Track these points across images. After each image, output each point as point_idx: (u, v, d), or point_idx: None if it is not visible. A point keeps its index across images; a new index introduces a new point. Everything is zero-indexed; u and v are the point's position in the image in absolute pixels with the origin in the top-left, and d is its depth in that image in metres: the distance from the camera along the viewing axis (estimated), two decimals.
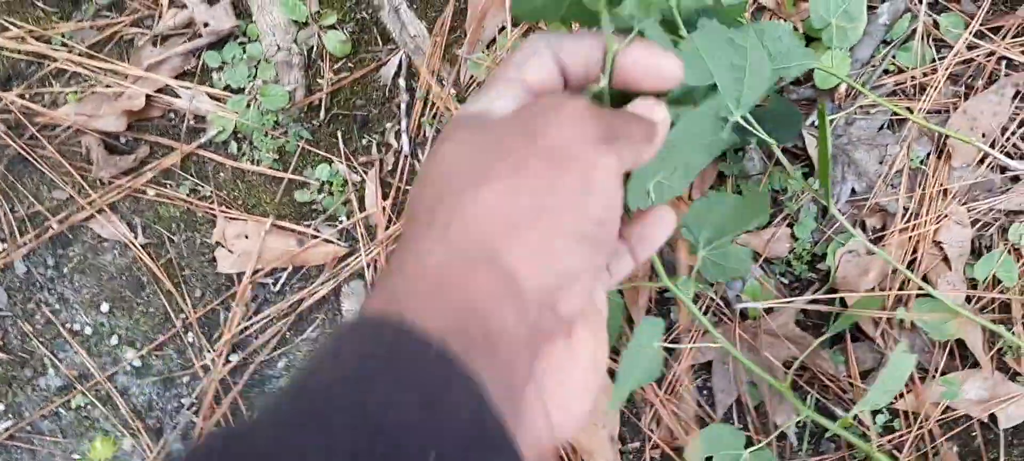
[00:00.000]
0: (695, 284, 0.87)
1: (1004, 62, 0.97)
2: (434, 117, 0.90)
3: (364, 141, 0.94)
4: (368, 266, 0.93)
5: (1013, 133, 0.95)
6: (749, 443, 0.89)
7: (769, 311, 0.95)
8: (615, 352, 0.90)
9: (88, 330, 0.93)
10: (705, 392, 0.93)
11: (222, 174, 0.93)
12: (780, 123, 0.93)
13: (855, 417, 0.93)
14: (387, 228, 0.93)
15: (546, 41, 0.40)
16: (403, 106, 0.92)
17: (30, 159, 0.93)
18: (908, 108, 0.96)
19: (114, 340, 0.93)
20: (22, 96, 0.92)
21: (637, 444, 0.91)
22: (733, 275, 0.88)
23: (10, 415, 0.92)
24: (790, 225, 0.96)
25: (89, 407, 0.92)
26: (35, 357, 0.92)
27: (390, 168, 0.92)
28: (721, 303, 0.94)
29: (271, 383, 0.93)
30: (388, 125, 0.94)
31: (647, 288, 0.96)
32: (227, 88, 0.93)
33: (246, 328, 0.93)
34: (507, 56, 0.53)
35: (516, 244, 0.33)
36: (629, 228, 0.44)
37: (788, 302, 0.94)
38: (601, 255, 0.37)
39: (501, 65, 0.41)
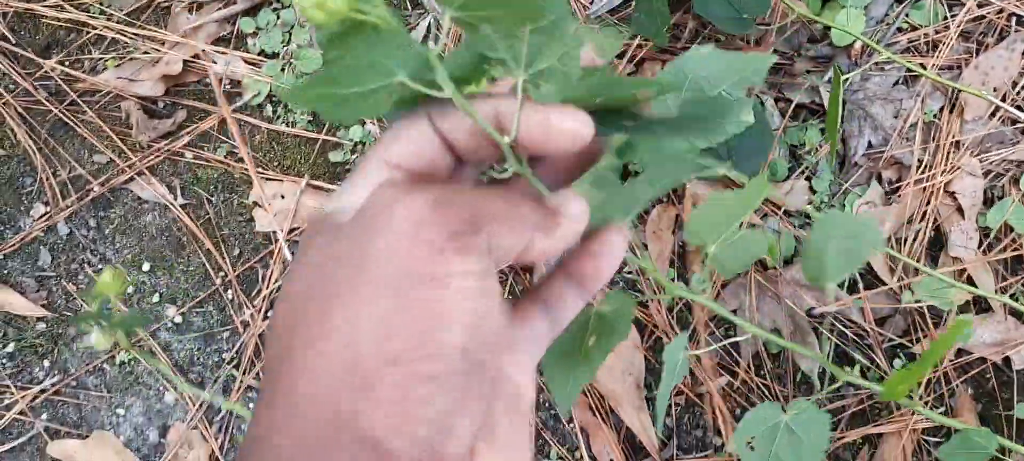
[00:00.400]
0: (710, 282, 0.89)
1: (1014, 19, 1.00)
2: None
3: None
4: None
5: (1023, 87, 0.98)
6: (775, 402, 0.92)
7: (788, 262, 0.98)
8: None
9: (130, 289, 0.96)
10: (730, 334, 0.96)
11: (258, 136, 0.96)
12: (748, 151, 0.96)
13: (873, 362, 0.96)
14: None
15: (424, 108, 0.33)
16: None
17: (71, 124, 0.95)
18: (921, 64, 0.99)
19: (155, 298, 0.96)
20: (62, 63, 0.95)
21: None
22: (752, 260, 0.89)
23: (56, 371, 0.95)
24: (808, 178, 0.99)
25: (132, 363, 0.95)
26: (74, 312, 0.95)
27: None
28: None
29: None
30: None
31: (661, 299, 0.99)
32: (262, 53, 0.95)
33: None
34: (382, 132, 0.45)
35: (369, 403, 0.28)
36: (575, 262, 0.37)
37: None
38: (481, 385, 0.30)
39: (373, 143, 0.35)
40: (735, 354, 0.97)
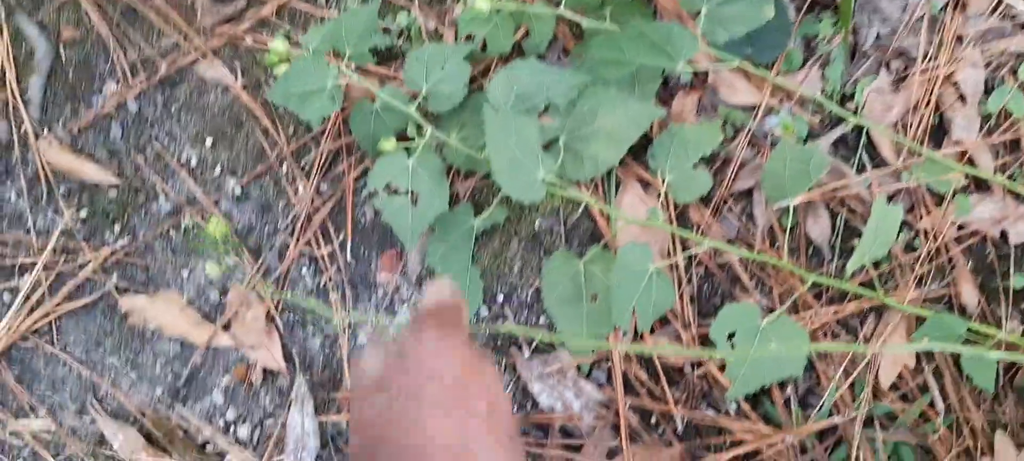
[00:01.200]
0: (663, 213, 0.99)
1: None
2: None
3: None
4: None
5: None
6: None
7: (803, 143, 1.05)
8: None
9: (194, 161, 1.04)
10: (745, 217, 1.03)
11: (313, 21, 1.04)
12: (767, 43, 1.06)
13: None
14: None
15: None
16: None
17: (140, 9, 1.04)
18: None
19: (217, 170, 1.04)
20: None
21: (683, 260, 1.02)
22: (696, 194, 1.00)
23: (126, 235, 1.03)
24: (821, 67, 1.06)
25: (196, 229, 1.04)
26: (147, 185, 1.04)
27: (454, 19, 1.03)
28: (757, 137, 1.04)
29: (355, 209, 1.04)
30: None
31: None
32: None
33: (334, 159, 1.04)
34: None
35: None
36: None
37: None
38: None
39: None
40: (752, 226, 1.04)
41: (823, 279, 0.87)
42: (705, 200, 1.03)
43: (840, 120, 1.05)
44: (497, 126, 0.92)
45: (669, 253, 1.03)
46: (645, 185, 1.04)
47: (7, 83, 1.02)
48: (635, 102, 0.98)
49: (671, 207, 1.04)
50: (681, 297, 1.02)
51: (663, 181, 1.01)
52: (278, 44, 0.91)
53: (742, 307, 0.95)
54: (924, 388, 0.99)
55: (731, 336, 0.93)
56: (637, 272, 0.96)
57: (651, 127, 1.02)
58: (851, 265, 0.92)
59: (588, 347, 1.00)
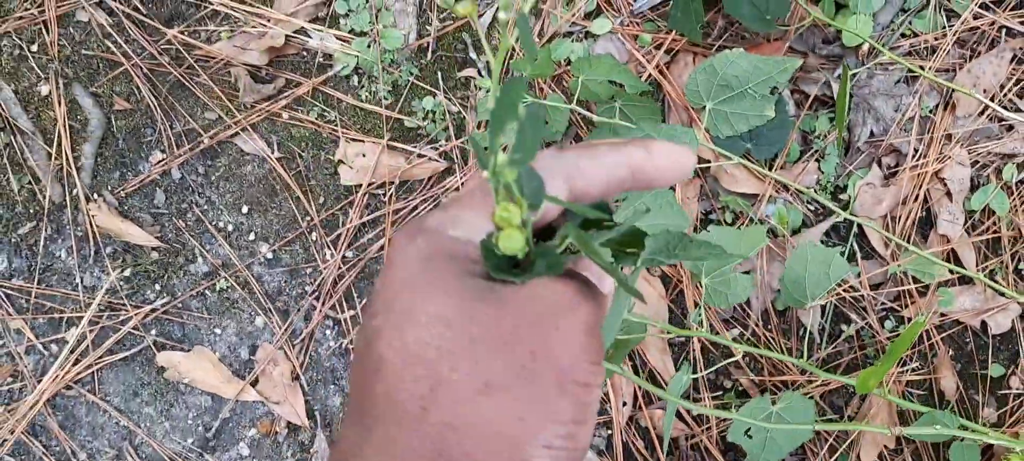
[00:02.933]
0: (703, 316, 1.03)
1: (1004, 30, 1.15)
2: (510, 58, 1.08)
3: (462, 78, 1.13)
4: (462, 184, 1.12)
5: (1009, 89, 1.13)
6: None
7: (797, 232, 1.13)
8: None
9: (230, 227, 1.12)
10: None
11: (344, 103, 1.12)
12: (767, 139, 1.12)
13: (866, 322, 1.10)
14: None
15: (561, 164, 0.34)
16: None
17: (187, 85, 1.12)
18: (921, 66, 1.13)
19: (251, 236, 1.12)
20: (182, 32, 1.12)
21: (682, 340, 1.09)
22: (735, 301, 1.03)
23: (165, 294, 1.12)
24: (817, 160, 1.14)
25: (230, 290, 1.12)
26: (186, 248, 1.12)
27: (475, 104, 1.11)
28: (758, 222, 1.12)
29: (377, 276, 1.12)
30: (480, 66, 1.13)
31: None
32: (351, 31, 1.12)
33: (360, 230, 1.12)
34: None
35: None
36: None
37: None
38: None
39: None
40: (746, 310, 1.11)
41: (816, 370, 0.94)
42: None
43: (832, 211, 1.12)
44: None
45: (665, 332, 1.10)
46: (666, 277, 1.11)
47: (62, 150, 1.10)
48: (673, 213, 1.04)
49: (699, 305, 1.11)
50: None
51: (699, 286, 1.07)
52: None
53: (755, 403, 1.01)
54: None
55: (747, 431, 0.99)
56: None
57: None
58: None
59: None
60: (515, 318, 0.30)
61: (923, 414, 1.01)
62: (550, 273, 0.31)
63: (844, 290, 1.11)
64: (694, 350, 1.11)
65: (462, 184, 1.12)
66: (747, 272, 1.12)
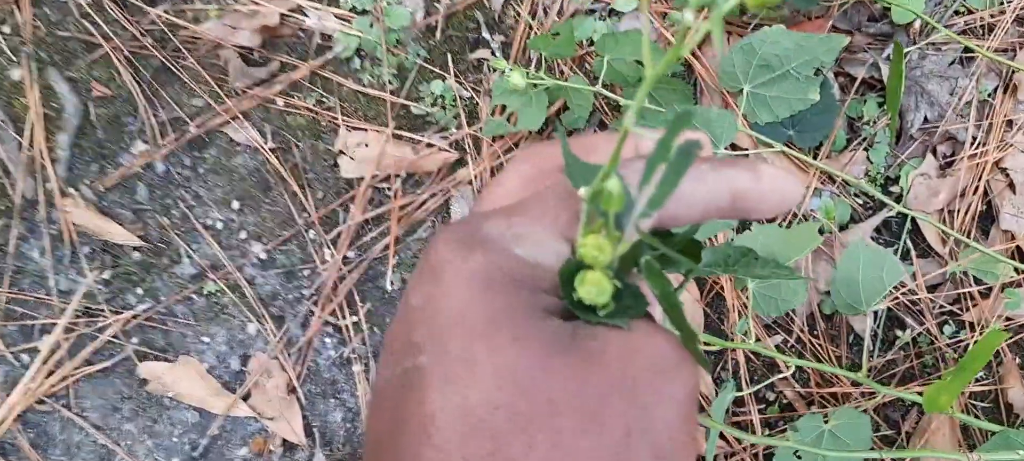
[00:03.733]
0: (750, 326, 0.91)
1: None
2: (527, 37, 0.98)
3: (474, 60, 1.03)
4: (476, 177, 1.02)
5: None
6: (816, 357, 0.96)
7: (844, 228, 1.02)
8: None
9: (219, 225, 1.02)
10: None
11: (345, 88, 1.02)
12: (811, 125, 1.01)
13: (924, 327, 1.00)
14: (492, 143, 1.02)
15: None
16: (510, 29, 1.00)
17: (173, 69, 1.02)
18: (978, 45, 1.03)
19: (243, 234, 1.02)
20: (167, 12, 1.02)
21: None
22: (786, 308, 0.90)
23: (148, 298, 1.01)
24: (866, 149, 1.03)
25: (219, 294, 1.01)
26: (171, 247, 1.02)
27: (489, 88, 1.00)
28: (802, 218, 1.01)
29: (382, 279, 1.02)
30: (495, 46, 1.03)
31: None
32: (353, 9, 1.02)
33: (362, 228, 1.02)
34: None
35: None
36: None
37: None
38: None
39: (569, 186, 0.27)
40: (791, 313, 1.01)
41: (876, 385, 0.83)
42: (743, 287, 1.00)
43: (884, 204, 1.02)
44: None
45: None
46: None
47: (35, 140, 1.00)
48: None
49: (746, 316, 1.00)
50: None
51: (741, 291, 0.96)
52: (517, 76, 0.87)
53: (806, 421, 0.90)
54: None
55: (796, 452, 0.88)
56: None
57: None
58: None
59: None
60: (606, 380, 0.23)
61: (993, 433, 0.90)
62: (636, 314, 0.25)
63: (899, 292, 1.00)
64: (735, 360, 1.00)
65: (487, 174, 1.02)
66: (796, 274, 1.01)
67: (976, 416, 0.98)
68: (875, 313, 1.00)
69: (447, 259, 0.25)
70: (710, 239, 0.97)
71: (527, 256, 0.25)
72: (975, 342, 0.98)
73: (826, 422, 0.87)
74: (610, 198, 0.24)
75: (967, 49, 1.03)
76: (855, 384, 0.99)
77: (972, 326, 0.99)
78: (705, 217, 0.28)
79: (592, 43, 1.02)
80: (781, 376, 0.96)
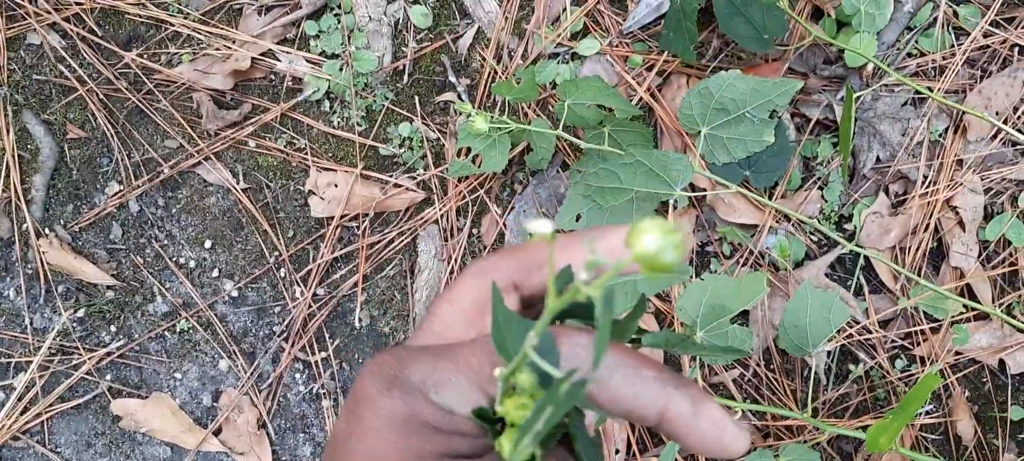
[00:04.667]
0: (698, 374, 0.94)
1: (1017, 49, 1.08)
2: (492, 81, 1.02)
3: (441, 102, 1.06)
4: (442, 216, 1.05)
5: (1023, 112, 1.06)
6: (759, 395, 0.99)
7: (799, 265, 1.05)
8: None
9: (192, 263, 1.05)
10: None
11: (315, 129, 1.05)
12: (766, 166, 1.04)
13: (876, 361, 1.03)
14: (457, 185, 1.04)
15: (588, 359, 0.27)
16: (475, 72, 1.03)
17: (146, 111, 1.05)
18: (929, 87, 1.06)
19: (215, 273, 1.05)
20: (141, 56, 1.05)
21: None
22: (735, 357, 0.90)
23: (121, 336, 1.04)
24: (820, 188, 1.06)
25: (191, 331, 1.04)
26: (145, 286, 1.04)
27: (455, 130, 1.03)
28: (758, 255, 1.04)
29: (351, 315, 1.04)
30: (461, 89, 1.06)
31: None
32: (322, 53, 1.04)
33: (332, 266, 1.05)
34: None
35: None
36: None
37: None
38: None
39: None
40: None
41: (824, 425, 0.86)
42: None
43: (837, 243, 1.05)
44: None
45: None
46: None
47: (11, 182, 1.03)
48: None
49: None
50: None
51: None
52: (480, 121, 0.89)
53: (756, 456, 0.92)
54: None
55: None
56: None
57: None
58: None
59: None
60: None
61: None
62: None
63: (852, 328, 1.03)
64: None
65: (453, 214, 1.04)
66: (743, 319, 1.05)
67: (926, 448, 1.01)
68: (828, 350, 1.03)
69: (369, 396, 0.27)
70: (660, 294, 1.00)
71: (444, 403, 0.27)
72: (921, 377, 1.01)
73: (776, 458, 0.90)
74: (522, 389, 0.25)
75: (918, 91, 1.07)
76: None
77: (923, 360, 1.02)
78: (626, 417, 0.28)
79: (555, 85, 1.05)
80: (738, 415, 0.99)
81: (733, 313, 0.89)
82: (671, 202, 1.06)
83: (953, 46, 1.09)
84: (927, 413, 1.02)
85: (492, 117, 0.96)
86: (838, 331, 1.01)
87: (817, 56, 1.10)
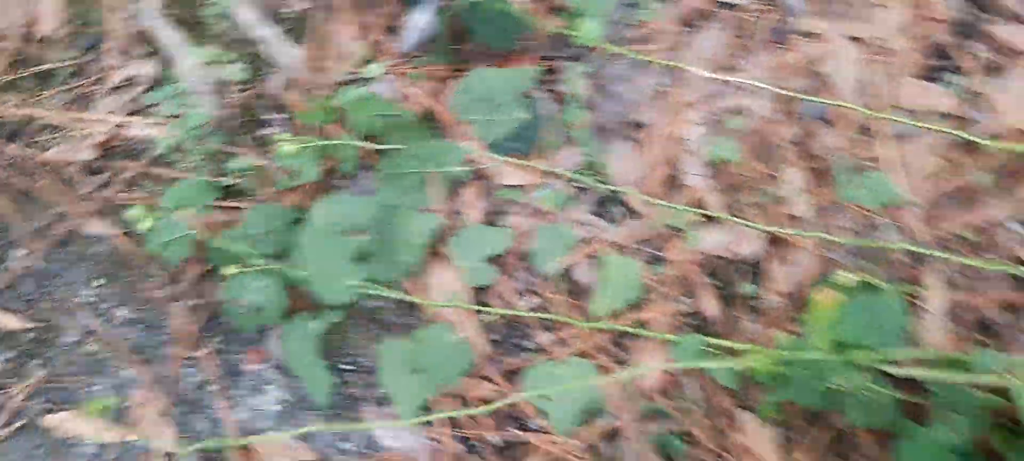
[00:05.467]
0: None
1: (720, 4, 1.35)
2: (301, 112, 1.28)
3: (261, 136, 1.33)
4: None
5: (729, 55, 1.33)
6: None
7: (562, 207, 1.32)
8: None
9: (92, 298, 1.31)
10: (531, 273, 1.30)
11: (168, 177, 1.32)
12: (523, 136, 1.31)
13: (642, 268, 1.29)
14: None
15: None
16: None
17: (31, 191, 1.32)
18: (650, 50, 1.33)
19: (110, 303, 1.32)
20: (21, 147, 1.31)
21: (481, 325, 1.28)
22: (485, 282, 1.22)
23: (44, 367, 1.30)
24: (578, 145, 1.33)
25: (98, 352, 1.31)
26: (57, 324, 1.31)
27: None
28: (533, 209, 1.31)
29: (222, 317, 1.31)
30: (277, 120, 1.33)
31: None
32: (165, 116, 1.31)
33: (199, 282, 1.32)
34: None
35: None
36: None
37: None
38: None
39: None
40: (532, 276, 1.30)
41: (599, 325, 1.13)
42: (492, 259, 1.29)
43: (595, 187, 1.32)
44: (311, 247, 1.19)
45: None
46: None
47: None
48: (419, 216, 1.24)
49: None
50: (488, 356, 1.29)
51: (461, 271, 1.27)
52: (137, 211, 1.18)
53: (545, 367, 1.21)
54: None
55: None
56: (441, 345, 1.22)
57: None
58: (595, 310, 1.19)
59: (415, 415, 1.25)
60: None
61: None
62: None
63: (613, 249, 1.30)
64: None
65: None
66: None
67: (685, 328, 1.28)
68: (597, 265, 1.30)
69: None
70: None
71: None
72: (676, 276, 1.28)
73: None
74: None
75: (639, 55, 1.34)
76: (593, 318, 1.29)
77: (673, 262, 1.29)
78: None
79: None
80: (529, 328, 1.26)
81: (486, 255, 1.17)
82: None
83: (666, 14, 1.36)
84: (682, 303, 1.29)
85: (304, 139, 1.23)
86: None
87: (561, 41, 1.37)
